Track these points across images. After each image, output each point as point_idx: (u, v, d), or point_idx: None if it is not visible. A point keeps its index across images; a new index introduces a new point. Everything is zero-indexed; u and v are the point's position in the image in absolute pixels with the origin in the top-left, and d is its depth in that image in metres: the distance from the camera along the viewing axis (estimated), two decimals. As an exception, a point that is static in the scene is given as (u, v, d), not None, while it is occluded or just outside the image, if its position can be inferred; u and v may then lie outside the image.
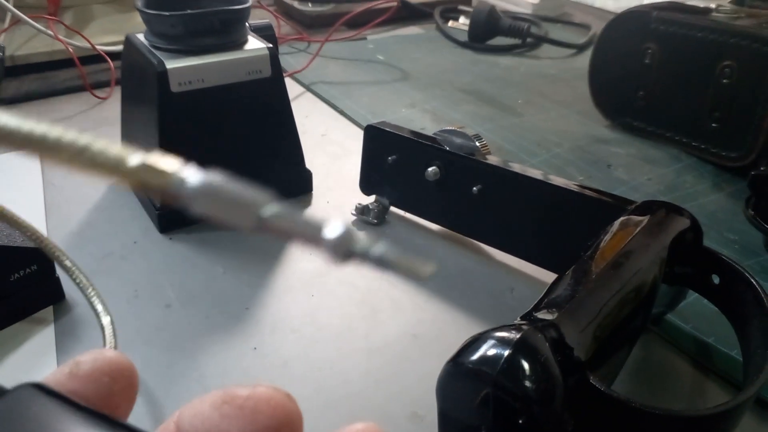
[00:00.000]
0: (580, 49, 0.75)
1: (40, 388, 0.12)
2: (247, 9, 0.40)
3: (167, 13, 0.37)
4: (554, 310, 0.23)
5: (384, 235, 0.41)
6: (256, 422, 0.12)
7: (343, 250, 0.12)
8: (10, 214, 0.27)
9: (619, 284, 0.26)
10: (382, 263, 0.12)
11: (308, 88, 0.63)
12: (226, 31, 0.39)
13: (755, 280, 0.29)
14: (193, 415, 0.12)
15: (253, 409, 0.12)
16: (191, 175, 0.12)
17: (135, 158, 0.12)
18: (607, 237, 0.29)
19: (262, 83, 0.40)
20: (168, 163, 0.12)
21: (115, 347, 0.29)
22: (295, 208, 0.12)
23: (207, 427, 0.12)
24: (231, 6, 0.39)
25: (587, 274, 0.26)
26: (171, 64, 0.37)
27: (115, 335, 0.29)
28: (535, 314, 0.23)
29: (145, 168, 0.11)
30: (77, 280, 0.30)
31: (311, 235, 0.12)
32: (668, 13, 0.50)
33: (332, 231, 0.12)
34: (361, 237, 0.12)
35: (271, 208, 0.12)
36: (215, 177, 0.12)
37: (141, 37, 0.40)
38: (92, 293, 0.29)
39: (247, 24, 0.42)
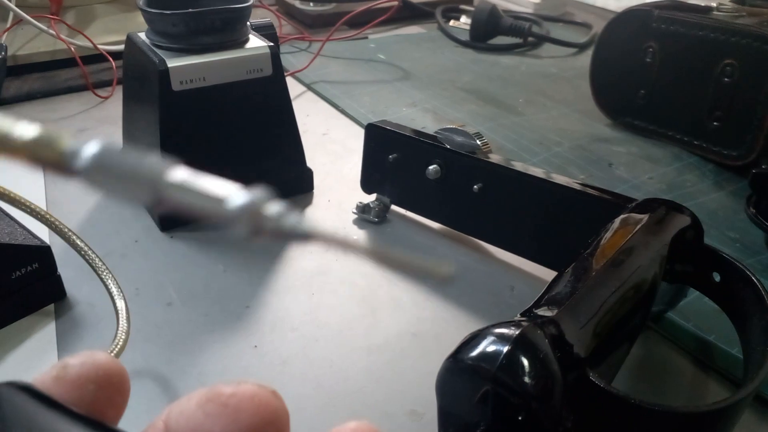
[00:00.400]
0: (582, 48, 0.75)
1: (23, 388, 0.12)
2: (248, 8, 0.40)
3: (169, 12, 0.38)
4: (554, 307, 0.23)
5: (385, 233, 0.41)
6: (239, 420, 0.11)
7: (252, 223, 0.11)
8: (24, 201, 0.27)
9: (618, 281, 0.26)
10: (299, 236, 0.11)
11: (309, 88, 0.63)
12: (227, 30, 0.39)
13: (756, 278, 0.29)
14: (179, 413, 0.12)
15: (236, 407, 0.11)
16: (84, 147, 0.11)
17: (23, 130, 0.11)
18: (608, 234, 0.29)
19: (263, 82, 0.40)
20: (59, 135, 0.11)
21: (128, 331, 0.29)
22: (199, 178, 0.11)
23: (192, 425, 0.12)
24: (232, 5, 0.39)
25: (587, 272, 0.26)
26: (172, 62, 0.37)
27: (128, 319, 0.29)
28: (535, 311, 0.23)
29: (35, 141, 0.11)
30: (92, 262, 0.30)
31: (215, 207, 0.11)
32: (669, 12, 0.50)
33: (237, 201, 0.11)
34: (274, 208, 0.11)
35: (172, 178, 0.11)
36: (110, 148, 0.11)
37: (142, 36, 0.40)
38: (107, 275, 0.29)
39: (248, 23, 0.42)
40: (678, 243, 0.30)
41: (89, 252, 0.29)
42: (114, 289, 0.28)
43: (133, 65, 0.42)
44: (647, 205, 0.31)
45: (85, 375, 0.13)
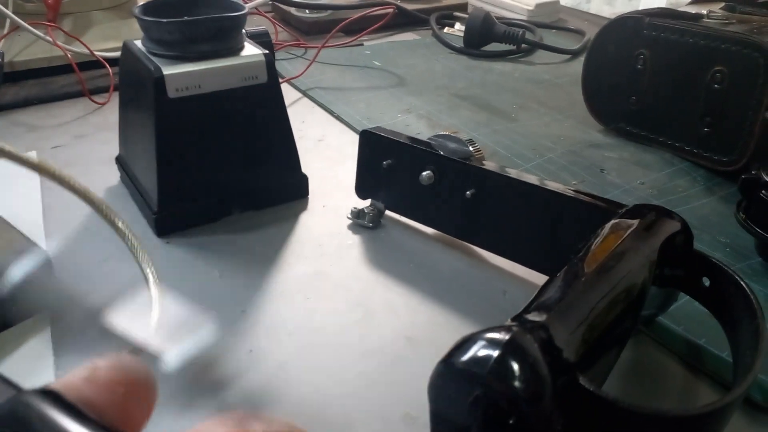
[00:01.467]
0: (575, 54, 0.76)
1: (51, 395, 0.12)
2: (243, 16, 0.40)
3: (164, 21, 0.38)
4: (544, 312, 0.23)
5: (379, 238, 0.41)
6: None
7: None
8: (65, 178, 0.27)
9: (608, 286, 0.26)
10: None
11: (305, 94, 0.63)
12: (222, 38, 0.40)
13: (744, 283, 0.29)
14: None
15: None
16: None
17: None
18: (598, 240, 0.30)
19: (258, 89, 0.41)
20: None
21: (157, 318, 0.29)
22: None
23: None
24: (227, 13, 0.40)
25: (577, 277, 0.26)
26: (168, 70, 0.37)
27: (160, 303, 0.29)
28: (526, 316, 0.23)
29: None
30: (129, 244, 0.30)
31: None
32: (660, 20, 0.50)
33: None
34: None
35: None
36: None
37: (138, 43, 0.41)
38: (143, 258, 0.29)
39: (243, 31, 0.42)
40: (668, 248, 0.30)
41: (128, 234, 0.29)
42: (150, 275, 0.28)
43: (129, 72, 0.42)
44: (637, 211, 0.32)
45: (115, 378, 0.13)
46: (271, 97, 0.41)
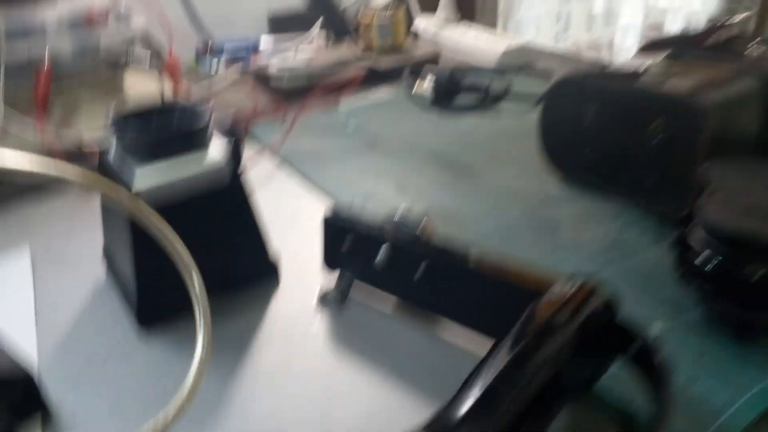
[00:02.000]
0: (541, 101, 0.79)
1: None
2: (207, 127, 0.44)
3: (134, 136, 0.42)
4: (456, 414, 0.26)
5: (344, 318, 0.44)
6: None
7: None
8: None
9: (525, 376, 0.29)
10: None
11: (284, 160, 0.67)
12: (188, 146, 0.44)
13: (656, 353, 0.32)
14: None
15: None
16: None
17: None
18: (523, 320, 0.33)
19: (224, 190, 0.44)
20: None
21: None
22: None
23: None
24: (194, 120, 0.43)
25: (494, 367, 0.29)
26: (139, 182, 0.41)
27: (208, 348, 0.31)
28: (439, 418, 0.26)
29: None
30: (197, 296, 0.32)
31: None
32: (599, 82, 0.53)
33: None
34: None
35: None
36: None
37: (114, 143, 0.44)
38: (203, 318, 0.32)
39: (210, 129, 0.46)
40: (592, 323, 0.33)
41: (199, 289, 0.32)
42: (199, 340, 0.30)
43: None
44: (564, 288, 0.35)
45: None
46: (236, 196, 0.45)
